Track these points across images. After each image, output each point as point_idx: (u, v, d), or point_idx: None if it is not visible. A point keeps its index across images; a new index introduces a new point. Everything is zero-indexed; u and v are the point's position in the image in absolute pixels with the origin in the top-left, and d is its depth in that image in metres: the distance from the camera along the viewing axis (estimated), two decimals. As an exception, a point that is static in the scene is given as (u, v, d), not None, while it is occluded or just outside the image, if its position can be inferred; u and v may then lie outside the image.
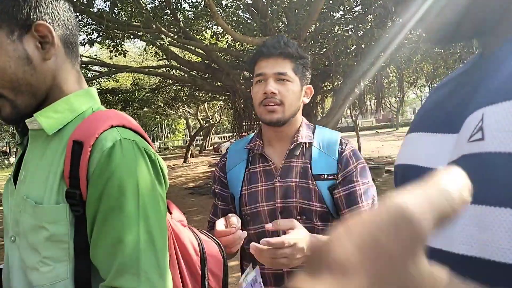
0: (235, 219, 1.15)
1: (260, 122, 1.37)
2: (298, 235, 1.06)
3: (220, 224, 1.14)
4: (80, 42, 7.93)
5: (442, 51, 7.67)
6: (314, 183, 1.24)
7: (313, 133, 1.33)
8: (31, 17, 0.80)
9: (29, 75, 0.81)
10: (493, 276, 0.37)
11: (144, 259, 0.76)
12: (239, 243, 1.15)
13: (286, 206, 1.25)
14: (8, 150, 31.57)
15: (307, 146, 1.30)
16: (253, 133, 1.43)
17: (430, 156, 0.48)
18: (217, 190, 1.41)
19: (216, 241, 1.09)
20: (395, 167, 0.58)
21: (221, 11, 7.46)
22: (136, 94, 11.97)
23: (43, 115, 0.84)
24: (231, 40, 7.84)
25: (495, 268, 0.37)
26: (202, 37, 9.33)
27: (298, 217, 1.23)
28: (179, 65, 9.14)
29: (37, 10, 0.81)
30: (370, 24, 5.82)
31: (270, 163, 1.31)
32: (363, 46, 6.25)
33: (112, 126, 0.82)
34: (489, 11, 0.46)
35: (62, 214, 0.78)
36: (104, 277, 0.77)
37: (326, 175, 1.25)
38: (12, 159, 28.71)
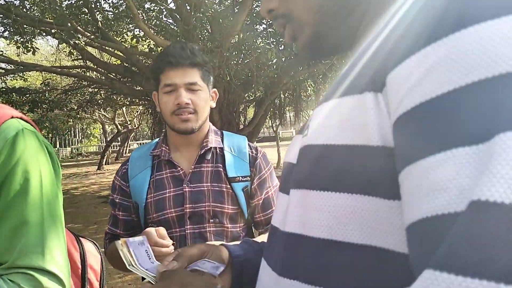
0: (165, 232, 1.10)
1: (165, 128, 1.36)
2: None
3: (154, 234, 1.07)
4: (-18, 35, 7.21)
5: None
6: (229, 186, 1.28)
7: (222, 139, 1.37)
8: None
9: None
10: (312, 250, 0.44)
11: (48, 239, 0.79)
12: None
13: (196, 211, 1.25)
14: None
15: (217, 151, 1.33)
16: (157, 139, 1.41)
17: (295, 153, 0.54)
18: (117, 200, 1.35)
19: (91, 240, 1.14)
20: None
21: (143, 14, 7.26)
22: (47, 95, 11.11)
23: None
24: (153, 44, 7.65)
25: (313, 243, 0.43)
26: (122, 39, 8.98)
27: (210, 220, 1.25)
28: (95, 66, 8.67)
29: None
30: (290, 39, 6.06)
31: (179, 168, 1.30)
32: (283, 59, 6.49)
33: (12, 117, 0.83)
34: (339, 36, 0.55)
35: None
36: (3, 260, 0.77)
37: (240, 177, 1.30)
38: None
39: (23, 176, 0.79)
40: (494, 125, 0.27)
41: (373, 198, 0.38)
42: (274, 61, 6.64)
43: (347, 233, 0.40)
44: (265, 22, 6.34)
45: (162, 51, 1.29)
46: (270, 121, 13.70)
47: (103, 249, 1.38)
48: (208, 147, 1.31)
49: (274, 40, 6.14)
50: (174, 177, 1.30)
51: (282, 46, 6.44)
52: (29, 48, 6.82)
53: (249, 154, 1.35)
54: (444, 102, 0.31)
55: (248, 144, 1.38)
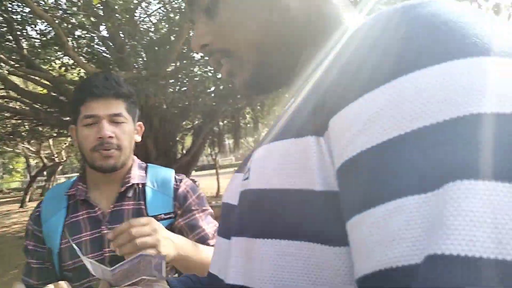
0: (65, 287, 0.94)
1: (84, 164, 1.22)
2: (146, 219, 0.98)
3: None
4: None
5: (290, 96, 8.50)
6: None
7: (146, 172, 1.26)
8: None
9: None
10: None
11: None
12: None
13: (118, 256, 1.07)
14: None
15: (140, 186, 1.21)
16: (74, 178, 1.28)
17: (235, 194, 0.50)
18: (30, 247, 1.19)
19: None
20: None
21: (73, 41, 6.96)
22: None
23: None
24: (84, 72, 7.34)
25: None
26: (50, 68, 8.52)
27: None
28: (19, 96, 8.12)
29: None
30: (227, 67, 6.12)
31: (96, 208, 1.17)
32: (221, 87, 6.51)
33: None
34: (278, 73, 0.53)
35: None
36: None
37: (163, 215, 1.18)
38: None
39: None
40: (443, 173, 0.26)
41: (317, 245, 0.36)
42: (212, 89, 6.65)
43: (292, 283, 0.37)
44: (201, 51, 6.36)
45: (83, 81, 1.18)
46: (209, 149, 13.60)
47: None
48: (130, 184, 1.19)
49: (212, 69, 6.15)
50: (91, 218, 1.16)
51: (220, 74, 6.48)
52: None
53: (173, 187, 1.23)
54: (391, 149, 0.29)
55: (175, 177, 1.27)
